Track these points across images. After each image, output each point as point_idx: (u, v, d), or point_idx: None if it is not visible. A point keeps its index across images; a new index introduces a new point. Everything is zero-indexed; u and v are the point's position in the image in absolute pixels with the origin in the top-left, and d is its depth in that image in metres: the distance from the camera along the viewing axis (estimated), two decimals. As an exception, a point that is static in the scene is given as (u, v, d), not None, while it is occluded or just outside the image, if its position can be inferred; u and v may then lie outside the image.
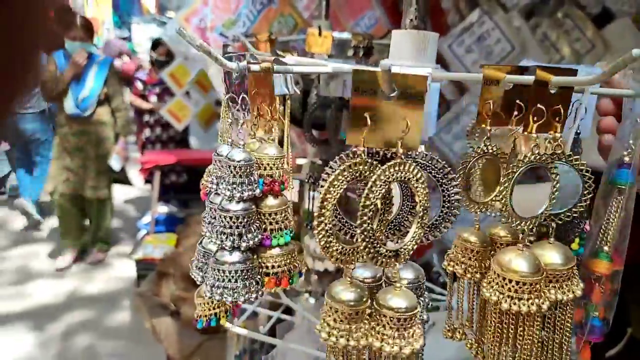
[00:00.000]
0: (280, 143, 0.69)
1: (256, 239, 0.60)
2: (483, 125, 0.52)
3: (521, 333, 0.52)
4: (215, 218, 0.61)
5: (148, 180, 4.68)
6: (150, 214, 4.05)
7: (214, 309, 0.71)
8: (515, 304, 0.50)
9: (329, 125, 1.07)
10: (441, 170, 0.52)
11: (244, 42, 1.06)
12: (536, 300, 0.50)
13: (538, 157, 0.50)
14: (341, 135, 1.44)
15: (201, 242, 0.68)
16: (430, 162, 0.52)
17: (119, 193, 5.27)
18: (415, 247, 0.51)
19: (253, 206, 0.61)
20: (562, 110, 0.49)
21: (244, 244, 0.59)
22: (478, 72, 1.67)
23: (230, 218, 0.58)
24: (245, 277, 0.60)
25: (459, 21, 1.95)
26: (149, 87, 4.79)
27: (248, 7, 1.61)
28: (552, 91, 0.48)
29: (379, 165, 0.49)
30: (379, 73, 0.47)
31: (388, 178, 0.47)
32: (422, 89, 0.47)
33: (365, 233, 0.47)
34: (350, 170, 0.49)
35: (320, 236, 0.49)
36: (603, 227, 0.65)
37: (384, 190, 0.48)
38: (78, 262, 4.01)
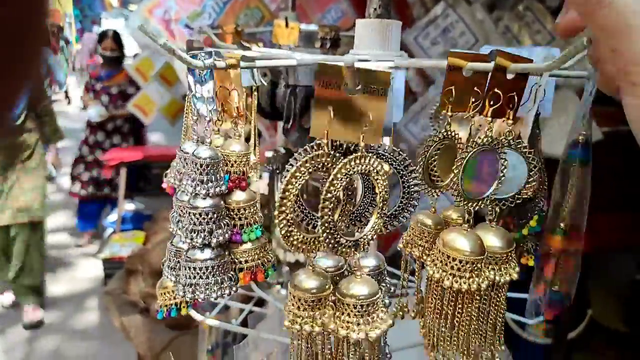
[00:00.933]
0: (248, 136, 0.69)
1: (226, 235, 0.60)
2: (444, 111, 0.53)
3: (460, 310, 0.53)
4: (183, 216, 0.61)
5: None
6: (117, 212, 3.96)
7: (174, 298, 0.72)
8: (457, 281, 0.51)
9: (287, 112, 1.08)
10: (402, 162, 0.54)
11: (209, 34, 1.05)
12: (477, 279, 0.51)
13: (489, 141, 0.52)
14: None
15: (172, 241, 0.67)
16: (392, 154, 0.54)
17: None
18: (374, 236, 0.53)
19: (221, 202, 0.61)
20: (516, 97, 0.50)
21: (214, 240, 0.59)
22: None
23: (200, 215, 0.58)
24: (217, 273, 0.60)
25: (424, 14, 1.98)
26: (92, 81, 4.37)
27: (213, -2, 1.60)
28: (510, 77, 0.50)
29: (341, 158, 0.50)
30: (344, 67, 0.47)
31: (349, 171, 0.48)
32: (385, 84, 0.48)
33: (326, 224, 0.49)
34: (313, 161, 0.49)
35: (282, 225, 0.50)
36: (557, 204, 0.68)
37: (345, 183, 0.49)
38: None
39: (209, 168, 0.58)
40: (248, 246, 0.63)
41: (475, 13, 1.99)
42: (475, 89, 0.50)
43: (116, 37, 4.30)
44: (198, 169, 0.58)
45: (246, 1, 1.63)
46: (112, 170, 4.09)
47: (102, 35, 4.32)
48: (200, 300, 0.60)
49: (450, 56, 0.51)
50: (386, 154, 0.54)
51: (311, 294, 0.51)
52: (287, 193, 0.48)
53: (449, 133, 0.55)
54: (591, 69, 0.57)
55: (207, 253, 0.59)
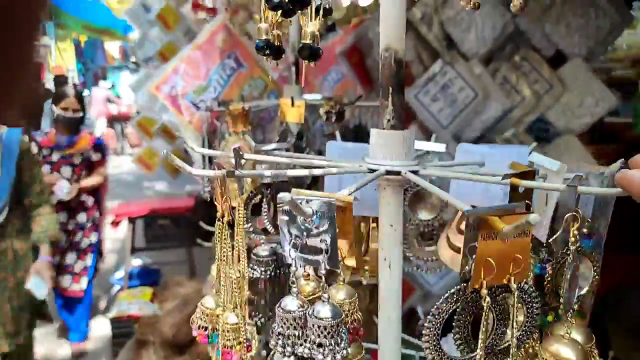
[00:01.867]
0: None
1: None
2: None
3: None
4: None
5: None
6: (124, 269, 3.95)
7: None
8: None
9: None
10: (527, 291, 0.58)
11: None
12: None
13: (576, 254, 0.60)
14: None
15: None
16: (519, 284, 0.57)
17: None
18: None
19: None
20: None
21: None
22: (444, 119, 1.73)
23: None
24: None
25: (423, 72, 2.02)
26: (44, 150, 3.18)
27: (218, 72, 1.64)
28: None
29: (496, 302, 0.55)
30: (499, 221, 0.50)
31: (507, 308, 0.55)
32: (531, 230, 0.53)
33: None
34: (476, 309, 0.54)
35: None
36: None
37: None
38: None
39: (333, 329, 0.51)
40: None
41: (473, 68, 2.03)
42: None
43: (79, 94, 3.40)
44: (321, 332, 0.51)
45: (250, 72, 1.67)
46: (118, 225, 4.10)
47: (62, 94, 3.27)
48: None
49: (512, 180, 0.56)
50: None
51: None
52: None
53: None
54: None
55: None
